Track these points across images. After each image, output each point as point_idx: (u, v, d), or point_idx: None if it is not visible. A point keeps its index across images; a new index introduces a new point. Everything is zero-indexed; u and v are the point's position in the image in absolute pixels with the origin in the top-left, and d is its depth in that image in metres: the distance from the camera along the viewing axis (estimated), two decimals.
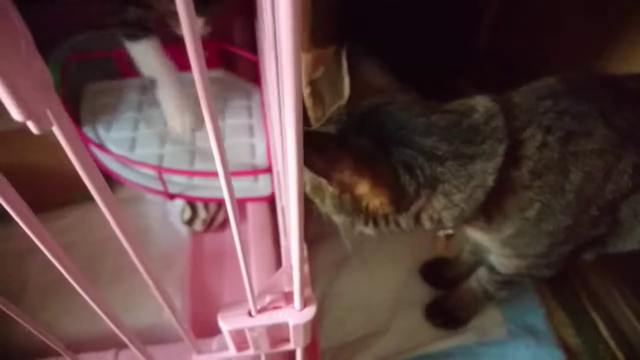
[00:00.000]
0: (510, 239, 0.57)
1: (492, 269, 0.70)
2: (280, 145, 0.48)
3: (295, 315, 0.37)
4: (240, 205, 0.71)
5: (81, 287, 0.27)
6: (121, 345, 0.57)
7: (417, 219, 0.53)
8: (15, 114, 0.16)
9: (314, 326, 0.41)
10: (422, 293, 0.90)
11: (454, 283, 0.87)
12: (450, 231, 0.63)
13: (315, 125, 0.57)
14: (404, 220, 0.53)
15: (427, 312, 0.87)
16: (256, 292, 0.37)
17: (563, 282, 0.89)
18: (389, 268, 0.93)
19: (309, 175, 0.53)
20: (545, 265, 0.63)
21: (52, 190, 0.79)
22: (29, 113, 0.16)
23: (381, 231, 0.55)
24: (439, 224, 0.53)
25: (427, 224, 0.53)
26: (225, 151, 0.77)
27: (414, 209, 0.51)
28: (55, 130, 0.18)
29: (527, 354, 0.81)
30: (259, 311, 0.37)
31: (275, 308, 0.37)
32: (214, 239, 0.84)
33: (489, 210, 0.52)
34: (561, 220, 0.53)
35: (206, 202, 0.76)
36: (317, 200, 0.55)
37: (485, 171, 0.48)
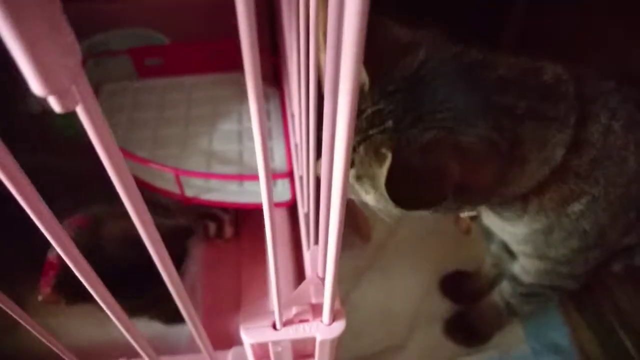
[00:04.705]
0: (536, 235, 0.54)
1: (514, 279, 0.66)
2: (305, 149, 0.46)
3: (324, 330, 0.34)
4: (259, 211, 0.69)
5: (99, 295, 0.24)
6: (132, 355, 0.55)
7: None
8: (36, 87, 0.13)
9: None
10: (442, 307, 0.87)
11: (474, 298, 0.84)
12: (473, 213, 0.59)
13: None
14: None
15: (447, 327, 0.83)
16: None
17: (588, 298, 0.85)
18: (407, 280, 0.90)
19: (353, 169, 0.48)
20: (568, 275, 0.60)
21: None
22: (51, 87, 0.13)
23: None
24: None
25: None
26: (242, 153, 0.74)
27: None
28: (80, 110, 0.16)
29: None
30: (285, 324, 0.34)
31: (301, 321, 0.35)
32: (228, 247, 0.81)
33: (528, 197, 0.48)
34: (600, 218, 0.49)
35: (222, 206, 0.73)
36: (361, 192, 0.49)
37: (557, 143, 0.44)
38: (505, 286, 0.71)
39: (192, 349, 0.66)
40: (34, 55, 0.13)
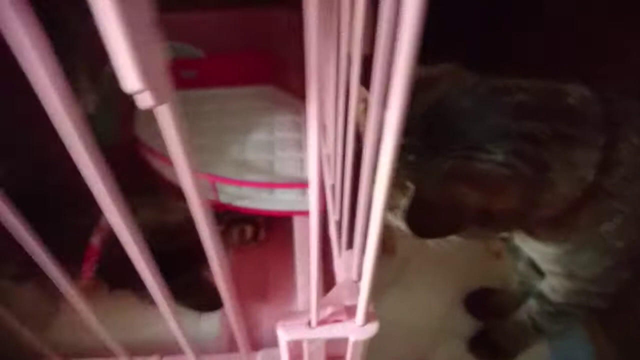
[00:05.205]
0: (567, 255, 0.54)
1: (542, 297, 0.66)
2: (340, 158, 0.47)
3: (357, 331, 0.35)
4: (287, 219, 0.70)
5: (155, 291, 0.26)
6: (165, 352, 0.57)
7: None
8: (133, 80, 0.15)
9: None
10: (466, 324, 0.86)
11: (499, 316, 0.83)
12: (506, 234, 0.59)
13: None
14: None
15: (472, 344, 0.83)
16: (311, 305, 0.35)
17: (614, 316, 0.84)
18: (431, 296, 0.90)
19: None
20: (597, 294, 0.59)
21: None
22: (149, 81, 0.15)
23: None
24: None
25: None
26: (273, 163, 0.76)
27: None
28: (165, 109, 0.17)
29: None
30: (319, 323, 0.36)
31: (335, 321, 0.36)
32: (253, 252, 0.82)
33: (560, 217, 0.48)
34: (632, 236, 0.49)
35: (253, 213, 0.75)
36: (395, 220, 0.51)
37: (587, 163, 0.44)
38: (532, 304, 0.71)
39: (217, 350, 0.67)
40: (138, 49, 0.14)
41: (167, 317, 0.31)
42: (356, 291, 0.37)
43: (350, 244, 0.43)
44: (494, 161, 0.43)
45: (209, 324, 0.70)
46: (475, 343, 0.83)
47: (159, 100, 0.16)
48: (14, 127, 0.49)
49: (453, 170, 0.44)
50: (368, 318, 0.35)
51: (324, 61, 0.60)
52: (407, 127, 0.48)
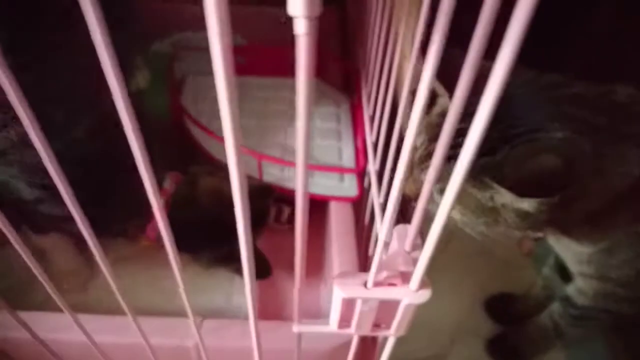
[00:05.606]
0: (601, 254, 0.55)
1: (567, 300, 0.67)
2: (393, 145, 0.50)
3: (411, 295, 0.37)
4: (324, 202, 0.73)
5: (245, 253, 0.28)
6: (206, 314, 0.59)
7: None
8: (299, 5, 0.17)
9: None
10: (485, 326, 0.88)
11: (519, 320, 0.84)
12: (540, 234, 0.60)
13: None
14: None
15: (490, 346, 0.84)
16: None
17: (634, 329, 0.84)
18: (454, 295, 0.91)
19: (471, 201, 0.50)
20: (625, 298, 0.60)
21: None
22: (311, 11, 0.18)
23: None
24: None
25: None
26: (313, 150, 0.79)
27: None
28: (307, 39, 0.19)
29: None
30: (375, 285, 0.38)
31: (390, 285, 0.38)
32: (285, 233, 0.84)
33: (600, 213, 0.50)
34: None
35: (293, 195, 0.77)
36: (482, 221, 0.52)
37: (635, 159, 0.46)
38: (556, 307, 0.72)
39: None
40: None
41: (247, 279, 0.34)
42: (409, 261, 0.39)
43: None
44: (556, 137, 0.44)
45: (241, 295, 0.71)
46: (493, 344, 0.84)
47: (309, 29, 0.18)
48: (90, 90, 0.52)
49: (522, 153, 0.45)
50: (422, 285, 0.37)
51: (373, 53, 0.63)
52: (467, 112, 0.51)
